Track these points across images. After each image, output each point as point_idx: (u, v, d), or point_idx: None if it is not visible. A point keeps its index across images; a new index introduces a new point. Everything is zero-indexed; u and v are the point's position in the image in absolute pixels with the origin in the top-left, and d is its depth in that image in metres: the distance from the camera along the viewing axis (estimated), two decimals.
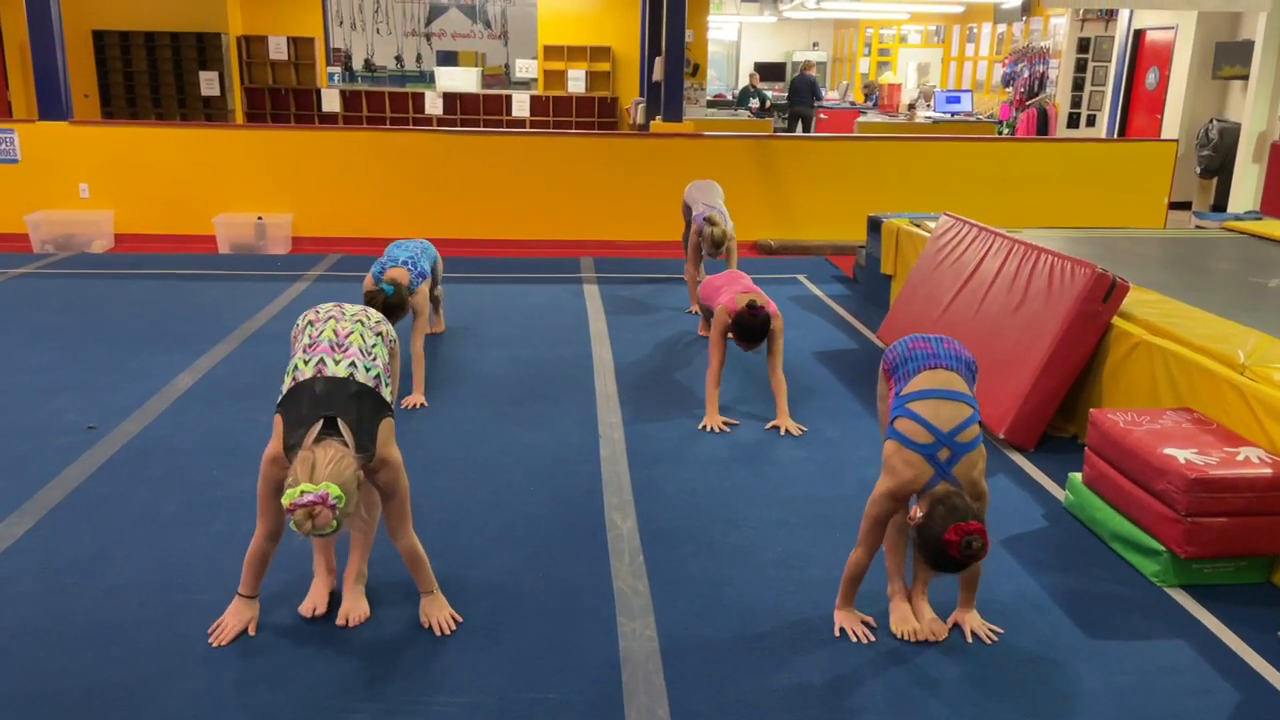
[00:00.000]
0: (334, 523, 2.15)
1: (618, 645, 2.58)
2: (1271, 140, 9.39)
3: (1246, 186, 9.86)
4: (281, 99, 14.37)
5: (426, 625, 2.62)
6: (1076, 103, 13.27)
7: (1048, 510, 3.43)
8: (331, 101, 14.18)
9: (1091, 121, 13.06)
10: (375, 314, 2.71)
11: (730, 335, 4.16)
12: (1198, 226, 7.08)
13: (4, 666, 2.44)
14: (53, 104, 7.89)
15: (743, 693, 2.41)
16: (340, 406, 2.34)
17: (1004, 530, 3.21)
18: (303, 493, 2.13)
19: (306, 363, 2.43)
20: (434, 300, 5.19)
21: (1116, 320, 3.84)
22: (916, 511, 2.36)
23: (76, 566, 2.92)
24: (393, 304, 4.17)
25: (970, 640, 2.61)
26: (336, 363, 2.43)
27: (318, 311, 2.64)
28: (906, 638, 2.63)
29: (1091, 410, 3.29)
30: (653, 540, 3.15)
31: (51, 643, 2.54)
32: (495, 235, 8.14)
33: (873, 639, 2.59)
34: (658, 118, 9.66)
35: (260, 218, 7.82)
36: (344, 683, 2.41)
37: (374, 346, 2.56)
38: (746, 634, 2.65)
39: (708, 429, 4.07)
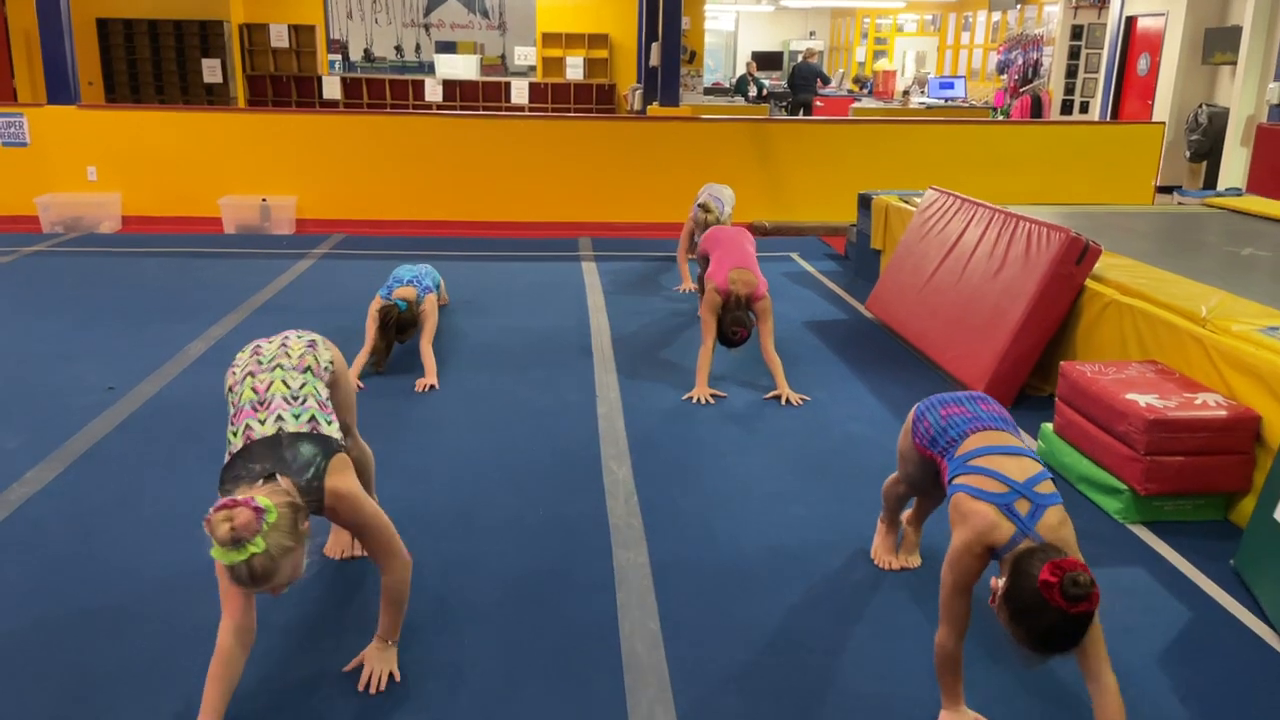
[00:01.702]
0: (260, 541, 1.85)
1: (613, 570, 2.77)
2: (1259, 123, 9.55)
3: (1235, 169, 10.04)
4: (283, 86, 14.53)
5: (357, 672, 2.25)
6: (1070, 89, 13.44)
7: None
8: (332, 89, 14.33)
9: (1085, 108, 13.22)
10: (297, 347, 2.42)
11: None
12: (1180, 203, 7.25)
13: (42, 595, 2.63)
14: (61, 88, 8.05)
15: (730, 609, 2.60)
16: (274, 462, 2.09)
17: None
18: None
19: (235, 434, 2.20)
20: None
21: (1089, 283, 4.03)
22: (997, 584, 1.94)
23: (105, 507, 3.11)
24: (405, 320, 4.35)
25: None
26: (262, 423, 2.18)
27: (234, 372, 2.37)
28: (883, 567, 2.82)
29: (1062, 363, 3.48)
30: (647, 484, 3.34)
31: (85, 574, 2.73)
32: (495, 217, 8.31)
33: None
34: (655, 103, 9.84)
35: (265, 199, 7.99)
36: (354, 601, 2.59)
37: (302, 387, 2.29)
38: (734, 561, 2.84)
39: (695, 400, 4.10)
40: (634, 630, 2.50)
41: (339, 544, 2.83)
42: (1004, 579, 1.91)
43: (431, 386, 4.23)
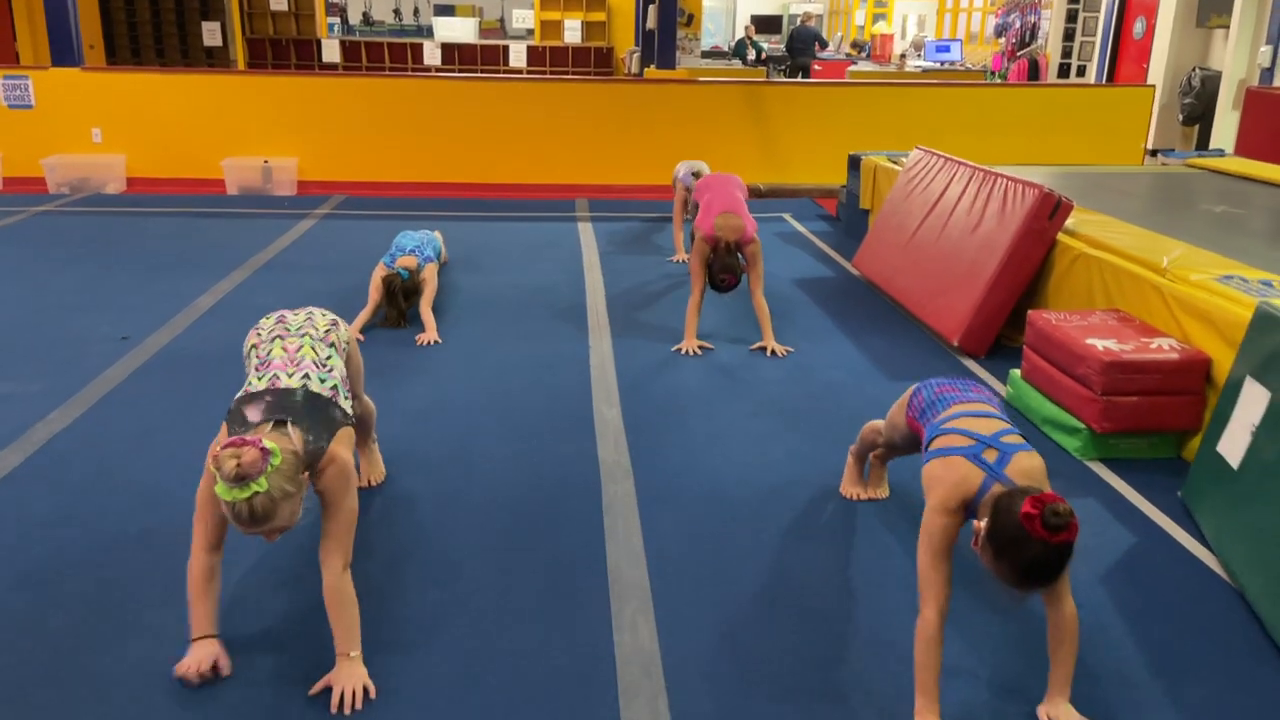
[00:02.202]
0: (263, 481, 1.93)
1: (601, 502, 2.97)
2: (1248, 86, 9.63)
3: (1226, 132, 10.13)
4: (282, 50, 14.57)
5: (330, 694, 2.11)
6: (1067, 53, 13.48)
7: None
8: (332, 52, 14.38)
9: (1081, 72, 13.27)
10: (322, 323, 2.54)
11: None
12: (1164, 164, 7.39)
13: (73, 519, 2.83)
14: (65, 51, 8.18)
15: (709, 535, 2.80)
16: (291, 412, 2.16)
17: None
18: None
19: (260, 379, 2.27)
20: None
21: (1061, 237, 4.19)
22: (979, 525, 2.00)
23: (124, 445, 3.30)
24: (409, 288, 4.57)
25: None
26: (290, 375, 2.27)
27: (259, 333, 2.48)
28: (851, 498, 3.01)
29: (1029, 311, 3.66)
30: (635, 427, 3.53)
31: (107, 503, 2.93)
32: (494, 179, 8.45)
33: None
34: (651, 65, 9.93)
35: (266, 161, 8.12)
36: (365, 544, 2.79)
37: (328, 359, 2.40)
38: (716, 495, 3.04)
39: (684, 352, 4.26)
40: (619, 552, 2.70)
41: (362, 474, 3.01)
42: (985, 520, 1.97)
43: (434, 342, 4.40)
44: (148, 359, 4.11)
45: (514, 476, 3.15)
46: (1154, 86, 9.48)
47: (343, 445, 2.21)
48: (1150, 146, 10.14)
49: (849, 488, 3.03)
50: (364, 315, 4.51)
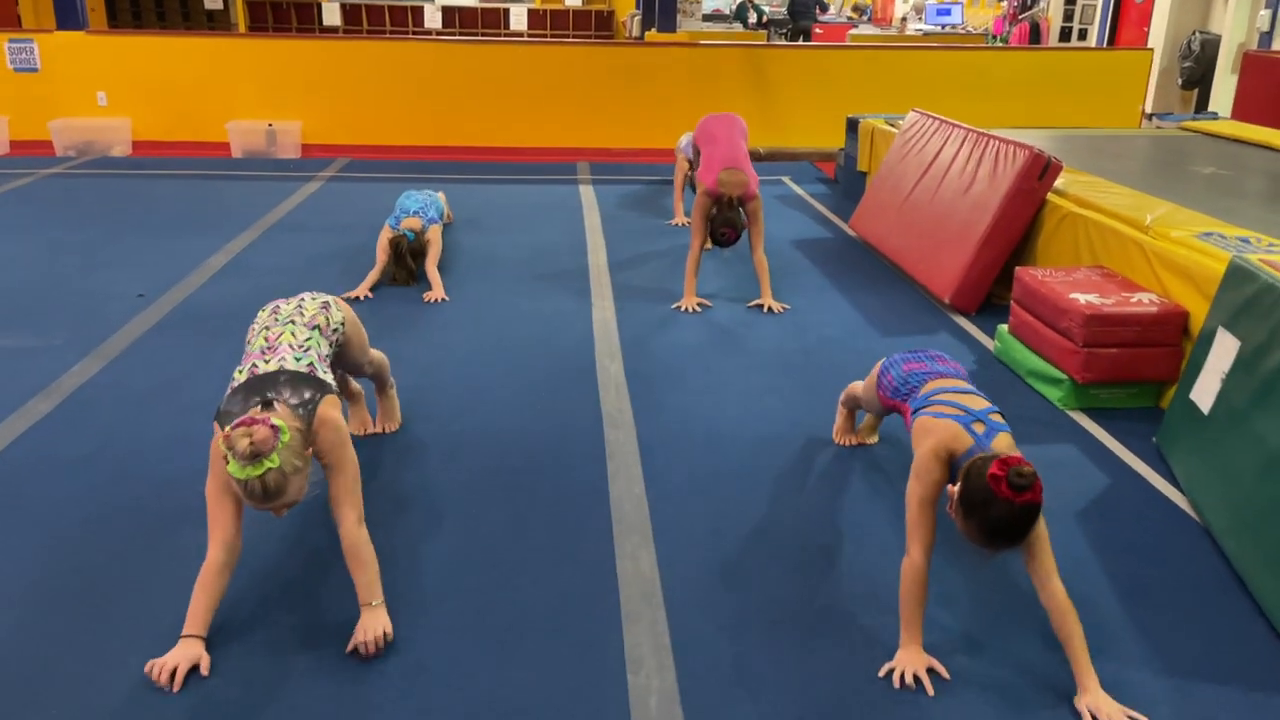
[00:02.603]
0: (275, 458, 2.00)
1: (604, 448, 3.12)
2: (1246, 50, 9.67)
3: (1224, 96, 10.18)
4: (283, 13, 14.55)
5: (351, 648, 2.18)
6: (1069, 17, 13.47)
7: (979, 357, 3.95)
8: (332, 15, 14.36)
9: (1083, 36, 13.26)
10: (311, 307, 2.63)
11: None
12: (1158, 127, 7.47)
13: (97, 467, 2.97)
14: (69, 14, 8.22)
15: (706, 478, 2.95)
16: (274, 390, 2.24)
17: None
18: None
19: (240, 372, 2.36)
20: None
21: (1050, 196, 4.31)
22: (953, 490, 2.10)
23: (148, 395, 3.45)
24: (415, 249, 4.71)
25: None
26: (266, 363, 2.35)
27: (253, 328, 2.57)
28: (843, 444, 3.16)
29: (1016, 268, 3.79)
30: (636, 379, 3.67)
31: (134, 450, 3.08)
32: (496, 142, 8.52)
33: (931, 693, 2.09)
34: (652, 29, 9.96)
35: (271, 124, 8.20)
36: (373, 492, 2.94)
37: (307, 339, 2.48)
38: (713, 442, 3.19)
39: (684, 309, 4.39)
40: (622, 493, 2.85)
41: (360, 422, 3.16)
42: (958, 484, 2.07)
43: (441, 299, 4.52)
44: (164, 315, 4.25)
45: (520, 425, 3.30)
46: (1152, 50, 9.52)
47: (328, 407, 2.28)
48: (1149, 110, 10.19)
49: (841, 436, 3.18)
50: (373, 276, 4.64)
